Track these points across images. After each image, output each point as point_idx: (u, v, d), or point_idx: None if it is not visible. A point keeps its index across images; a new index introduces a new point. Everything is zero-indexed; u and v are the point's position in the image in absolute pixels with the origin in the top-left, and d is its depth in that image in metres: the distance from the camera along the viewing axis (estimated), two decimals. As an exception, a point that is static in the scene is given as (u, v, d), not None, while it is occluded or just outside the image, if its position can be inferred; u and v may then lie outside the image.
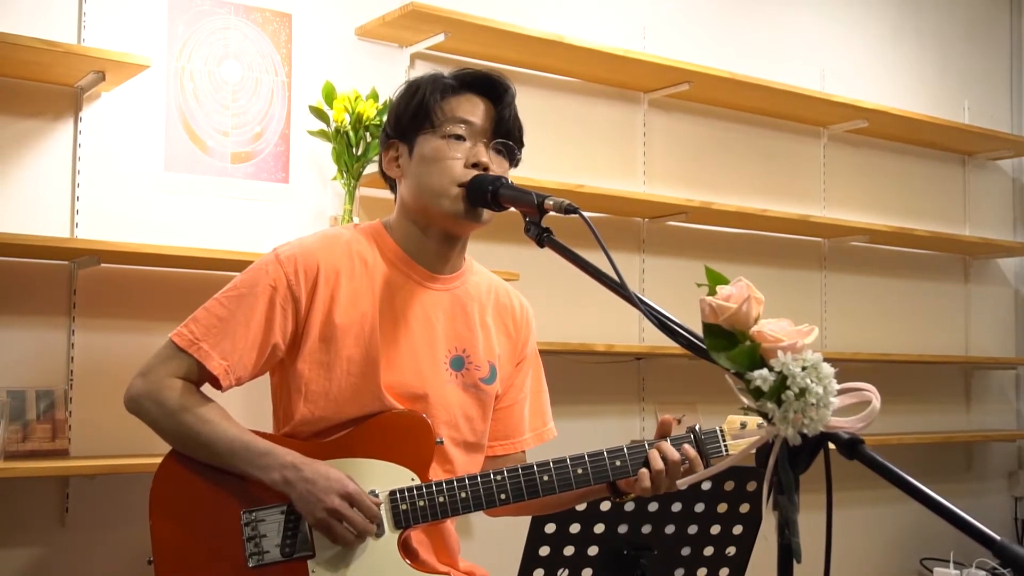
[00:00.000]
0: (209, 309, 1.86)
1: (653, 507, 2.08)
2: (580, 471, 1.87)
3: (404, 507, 1.81)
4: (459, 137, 1.87)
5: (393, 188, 2.02)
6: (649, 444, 1.90)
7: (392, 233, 1.95)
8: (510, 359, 2.06)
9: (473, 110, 1.89)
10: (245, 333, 1.83)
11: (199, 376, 1.85)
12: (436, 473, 1.88)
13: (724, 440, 1.94)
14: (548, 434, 2.15)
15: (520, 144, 1.95)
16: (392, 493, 1.81)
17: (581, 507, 2.05)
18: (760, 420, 1.13)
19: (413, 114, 1.90)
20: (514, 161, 1.94)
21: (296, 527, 1.80)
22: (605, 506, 2.06)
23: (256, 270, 1.88)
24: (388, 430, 1.86)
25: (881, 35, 4.51)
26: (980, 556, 4.14)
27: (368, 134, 2.88)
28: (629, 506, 2.06)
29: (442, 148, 1.86)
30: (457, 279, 1.98)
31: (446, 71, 1.96)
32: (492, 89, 1.92)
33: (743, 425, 1.95)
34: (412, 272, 1.93)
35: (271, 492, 1.79)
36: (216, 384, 1.85)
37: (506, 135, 1.91)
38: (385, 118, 2.03)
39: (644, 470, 1.87)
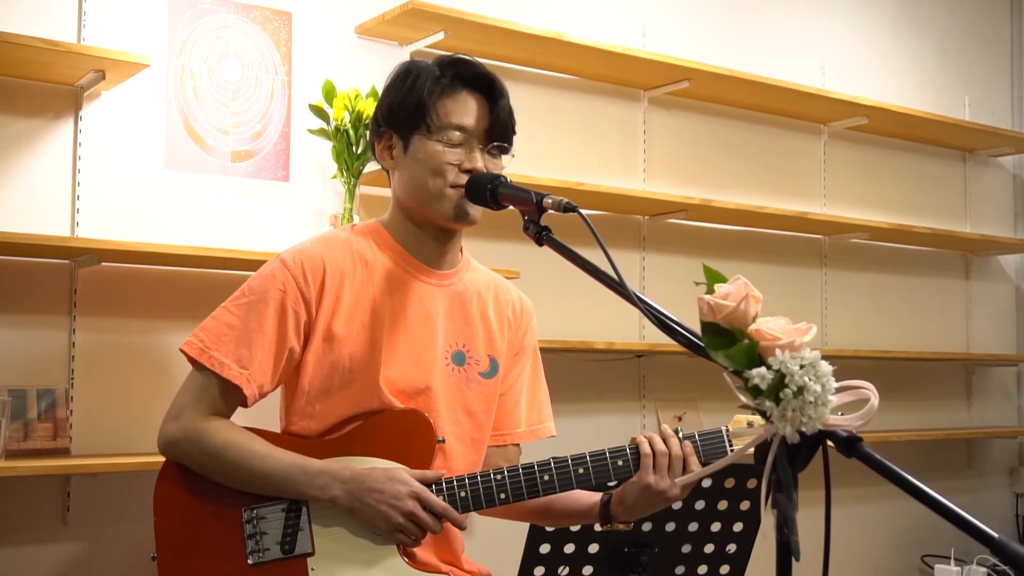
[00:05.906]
0: (217, 318, 1.85)
1: (653, 504, 2.08)
2: (581, 471, 1.85)
3: None
4: (454, 143, 1.86)
5: (389, 174, 2.00)
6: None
7: (390, 230, 1.95)
8: (511, 351, 2.05)
9: (468, 113, 1.87)
10: (261, 340, 1.81)
11: (226, 402, 1.83)
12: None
13: (729, 441, 1.89)
14: (544, 432, 2.11)
15: (513, 136, 1.93)
16: None
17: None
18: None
19: (409, 111, 1.87)
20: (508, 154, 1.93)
21: (296, 525, 1.80)
22: (605, 503, 2.06)
23: (263, 276, 1.86)
24: (390, 428, 1.86)
25: (881, 31, 4.50)
26: (981, 553, 4.14)
27: (368, 132, 2.88)
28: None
29: (438, 153, 1.85)
30: (455, 274, 1.98)
31: (439, 62, 1.91)
32: (488, 89, 1.90)
33: (750, 424, 1.92)
34: (411, 268, 1.93)
35: None
36: (241, 398, 1.83)
37: (500, 136, 1.89)
38: (377, 102, 1.98)
39: (646, 460, 1.82)
